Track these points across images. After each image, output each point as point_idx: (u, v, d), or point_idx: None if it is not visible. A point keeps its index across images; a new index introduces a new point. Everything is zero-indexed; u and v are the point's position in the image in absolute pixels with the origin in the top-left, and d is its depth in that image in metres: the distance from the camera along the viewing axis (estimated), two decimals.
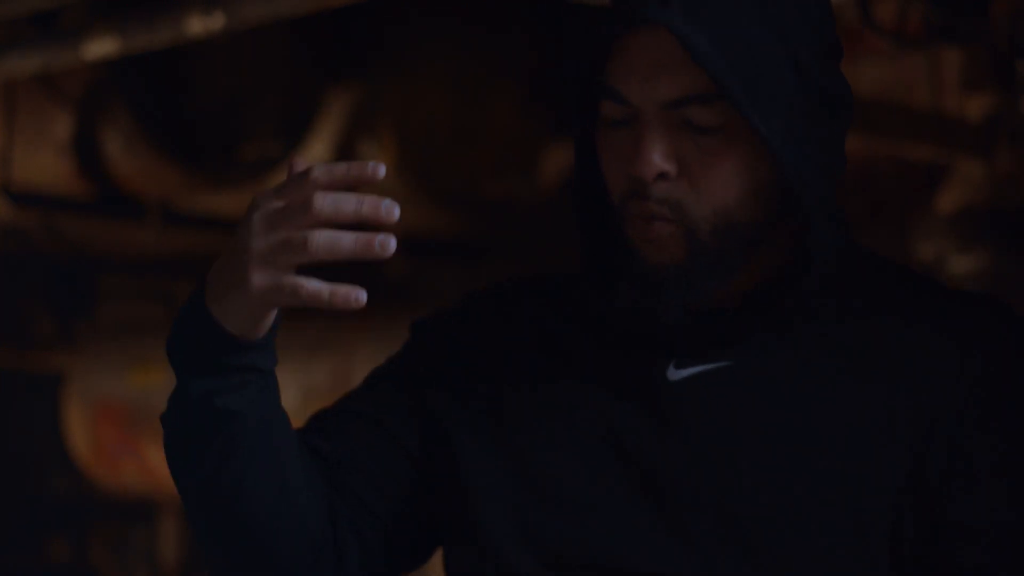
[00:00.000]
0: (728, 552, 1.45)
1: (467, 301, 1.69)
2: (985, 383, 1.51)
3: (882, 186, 5.09)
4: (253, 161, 5.30)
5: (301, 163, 1.45)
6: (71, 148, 5.16)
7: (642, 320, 1.55)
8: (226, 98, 5.15)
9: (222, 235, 6.21)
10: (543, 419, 1.57)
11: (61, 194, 5.29)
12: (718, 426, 1.50)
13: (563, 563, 1.50)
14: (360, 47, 5.47)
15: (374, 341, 5.48)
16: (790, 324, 1.53)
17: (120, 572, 7.55)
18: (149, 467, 6.20)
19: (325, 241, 1.38)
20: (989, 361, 1.52)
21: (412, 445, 1.65)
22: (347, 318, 5.71)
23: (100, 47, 3.99)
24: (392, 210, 1.38)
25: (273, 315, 1.47)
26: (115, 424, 6.23)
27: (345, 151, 5.59)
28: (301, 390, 5.55)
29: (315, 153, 5.61)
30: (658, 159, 1.48)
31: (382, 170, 1.40)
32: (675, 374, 1.53)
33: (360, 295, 1.39)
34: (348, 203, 1.39)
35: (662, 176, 1.49)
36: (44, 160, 5.21)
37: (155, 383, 6.09)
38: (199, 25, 3.72)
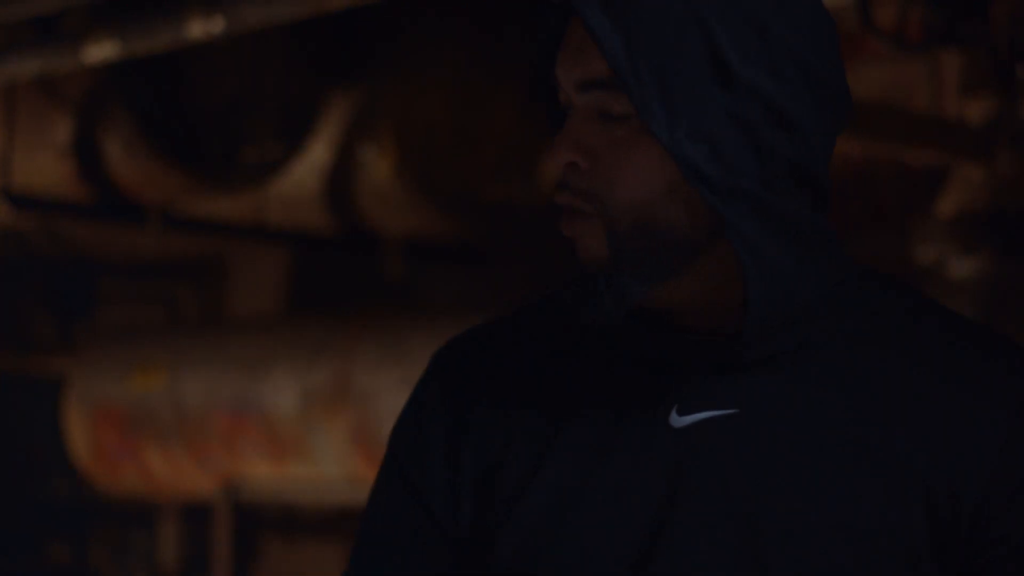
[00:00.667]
0: None
1: (436, 361, 1.60)
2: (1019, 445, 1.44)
3: (882, 190, 5.09)
4: (253, 164, 5.30)
5: None
6: (71, 152, 5.16)
7: (642, 358, 1.50)
8: (226, 102, 5.15)
9: (222, 239, 6.22)
10: (545, 472, 1.52)
11: (61, 198, 5.29)
12: (726, 479, 1.43)
13: None
14: (360, 51, 5.48)
15: (374, 343, 5.48)
16: (798, 362, 1.45)
17: (120, 575, 7.55)
18: (149, 470, 6.20)
19: None
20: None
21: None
22: (348, 320, 5.71)
23: (100, 51, 3.99)
24: None
25: None
26: (115, 428, 6.23)
27: (345, 154, 5.59)
28: (301, 392, 5.55)
29: (315, 156, 5.62)
30: (565, 147, 1.43)
31: None
32: (679, 421, 1.47)
33: None
34: None
35: (575, 166, 1.44)
36: (44, 164, 5.21)
37: (155, 387, 6.09)
38: (199, 29, 3.72)
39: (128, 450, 6.22)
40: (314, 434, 5.52)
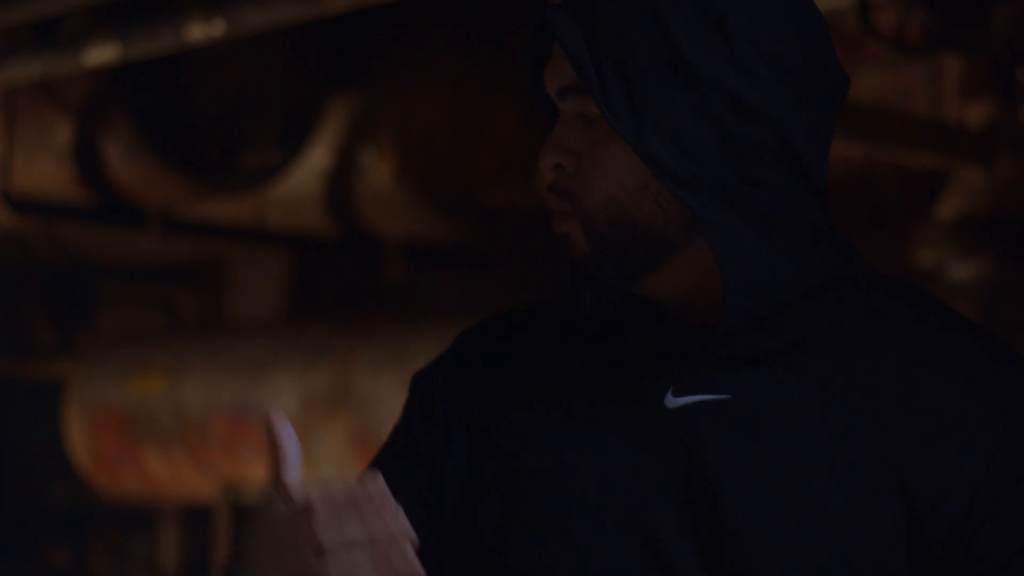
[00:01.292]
0: None
1: (459, 342, 1.65)
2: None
3: (882, 193, 5.09)
4: (253, 168, 5.31)
5: (279, 418, 1.40)
6: (72, 155, 5.16)
7: (640, 341, 1.52)
8: (226, 105, 5.16)
9: (222, 242, 6.22)
10: (542, 454, 1.53)
11: (62, 201, 5.30)
12: (710, 461, 1.44)
13: None
14: (360, 55, 5.48)
15: (374, 348, 5.48)
16: (794, 358, 1.46)
17: None
18: (149, 474, 6.20)
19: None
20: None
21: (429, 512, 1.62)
22: (348, 324, 5.71)
23: (100, 54, 3.99)
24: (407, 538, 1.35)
25: None
26: (115, 431, 6.23)
27: (345, 158, 5.59)
28: (301, 396, 5.55)
29: (315, 159, 5.62)
30: (549, 151, 1.48)
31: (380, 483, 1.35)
32: (673, 402, 1.48)
33: None
34: (355, 531, 1.36)
35: (561, 168, 1.48)
36: (45, 167, 5.21)
37: (155, 390, 6.09)
38: (199, 32, 3.72)
39: (128, 454, 6.22)
40: (314, 438, 5.52)
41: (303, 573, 1.34)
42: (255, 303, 6.92)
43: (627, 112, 1.42)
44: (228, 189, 5.40)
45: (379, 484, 1.35)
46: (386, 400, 5.31)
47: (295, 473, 1.39)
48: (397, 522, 1.35)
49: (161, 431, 6.04)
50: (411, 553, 1.35)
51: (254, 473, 5.82)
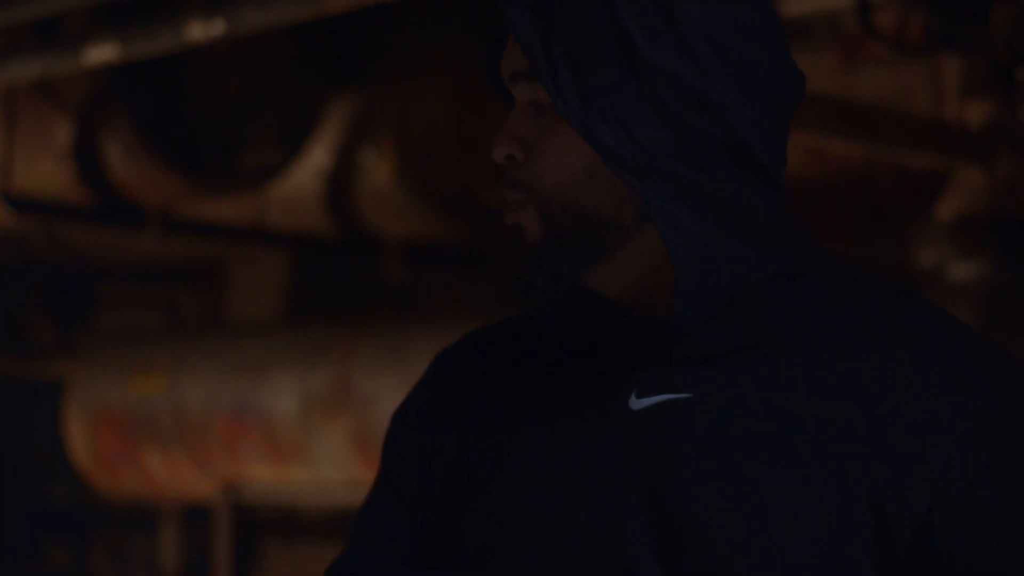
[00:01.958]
0: None
1: (434, 363, 1.66)
2: (996, 455, 1.40)
3: (882, 193, 5.09)
4: (253, 168, 5.31)
5: None
6: (72, 155, 5.16)
7: (596, 335, 1.52)
8: (226, 105, 5.16)
9: (222, 242, 6.22)
10: (511, 464, 1.53)
11: (62, 201, 5.30)
12: (672, 462, 1.43)
13: None
14: (360, 55, 5.48)
15: (374, 347, 5.48)
16: (756, 351, 1.43)
17: None
18: (149, 474, 6.20)
19: None
20: (1001, 433, 1.40)
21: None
22: (348, 324, 5.71)
23: (100, 53, 3.99)
24: None
25: None
26: (115, 431, 6.23)
27: (345, 158, 5.60)
28: (301, 396, 5.55)
29: (316, 159, 5.62)
30: (502, 142, 1.48)
31: None
32: (637, 403, 1.46)
33: None
34: None
35: (512, 159, 1.48)
36: (45, 167, 5.21)
37: (155, 390, 6.09)
38: (199, 31, 3.72)
39: (128, 454, 6.22)
40: (314, 437, 5.52)
41: None
42: (255, 303, 6.92)
43: (575, 98, 1.42)
44: (228, 189, 5.40)
45: None
46: (386, 400, 5.31)
47: None
48: None
49: (161, 431, 6.04)
50: None
51: (254, 473, 5.82)
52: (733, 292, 1.45)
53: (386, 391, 5.34)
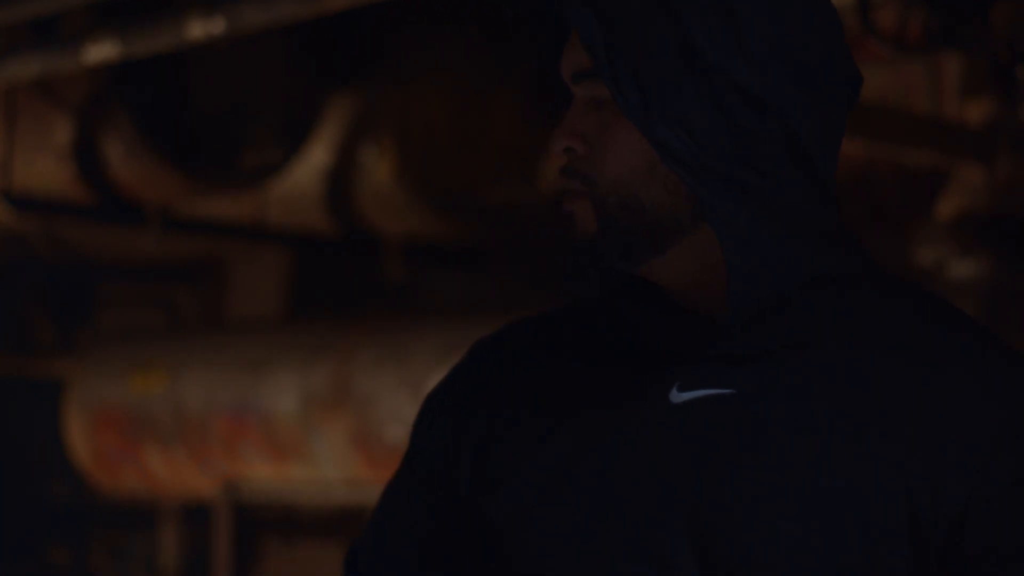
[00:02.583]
0: None
1: (471, 352, 1.67)
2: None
3: (882, 191, 5.09)
4: (253, 167, 5.31)
5: None
6: (71, 154, 5.16)
7: (643, 329, 1.53)
8: (226, 104, 5.16)
9: (222, 241, 6.22)
10: (549, 456, 1.54)
11: (62, 200, 5.30)
12: (713, 457, 1.44)
13: None
14: (361, 53, 5.48)
15: (374, 346, 5.48)
16: (799, 351, 1.46)
17: None
18: (149, 472, 6.20)
19: None
20: None
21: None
22: (348, 322, 5.71)
23: (100, 51, 3.99)
24: None
25: None
26: (115, 430, 6.23)
27: (345, 156, 5.60)
28: (301, 394, 5.55)
29: (316, 158, 5.62)
30: (562, 133, 1.51)
31: None
32: (678, 397, 1.48)
33: None
34: None
35: (572, 151, 1.51)
36: (45, 166, 5.21)
37: (155, 389, 6.09)
38: (199, 29, 3.72)
39: (128, 452, 6.22)
40: (314, 436, 5.52)
41: None
42: (255, 302, 6.92)
43: (637, 96, 1.45)
44: (228, 188, 5.40)
45: None
46: (386, 399, 5.32)
47: None
48: None
49: (161, 430, 6.04)
50: None
51: (254, 471, 5.82)
52: (781, 293, 1.47)
53: (386, 390, 5.34)
